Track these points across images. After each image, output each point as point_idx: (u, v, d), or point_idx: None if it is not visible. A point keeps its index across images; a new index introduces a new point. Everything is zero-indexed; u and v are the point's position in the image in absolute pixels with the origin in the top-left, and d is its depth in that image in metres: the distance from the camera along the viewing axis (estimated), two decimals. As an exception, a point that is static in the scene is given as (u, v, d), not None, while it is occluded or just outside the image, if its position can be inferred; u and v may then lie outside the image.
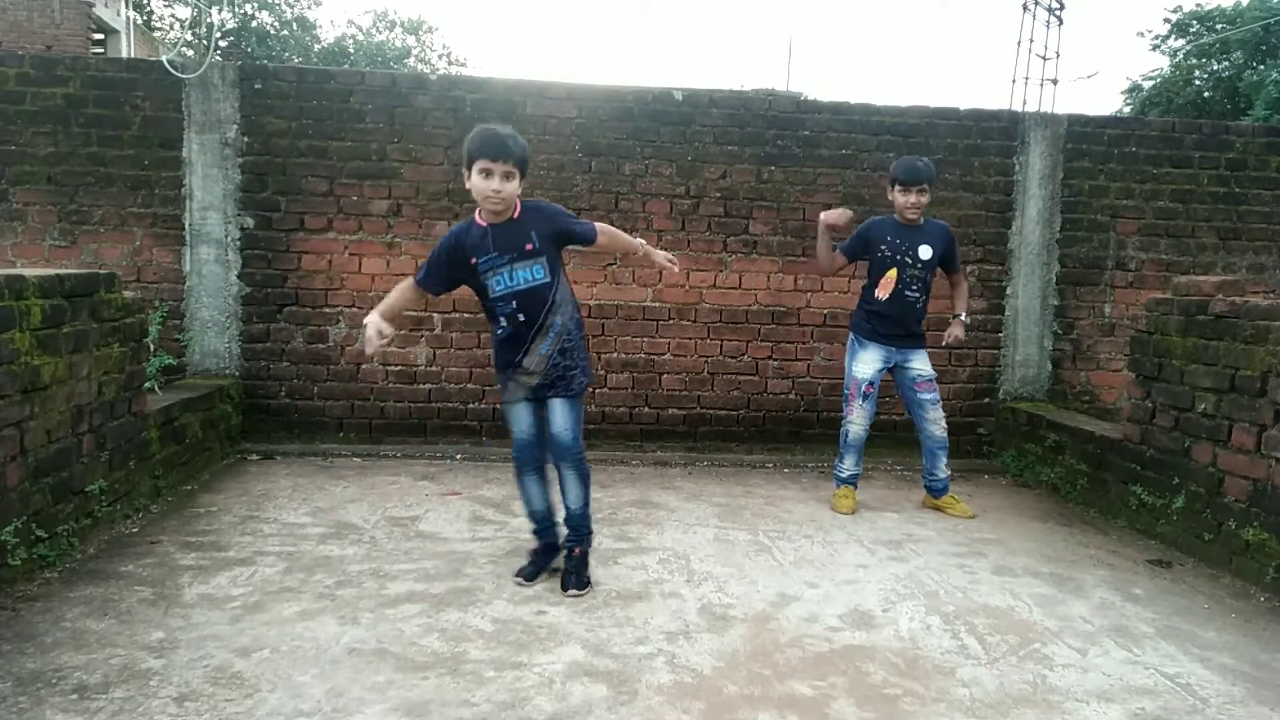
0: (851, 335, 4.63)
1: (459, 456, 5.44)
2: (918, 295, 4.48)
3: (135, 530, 3.82)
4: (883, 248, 4.47)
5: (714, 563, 3.72)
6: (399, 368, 5.52)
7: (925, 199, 4.44)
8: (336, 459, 5.28)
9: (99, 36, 14.77)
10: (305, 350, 5.46)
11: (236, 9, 27.83)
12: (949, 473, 4.65)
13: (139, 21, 18.32)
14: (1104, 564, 3.92)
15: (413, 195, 5.43)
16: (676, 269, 3.53)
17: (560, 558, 3.47)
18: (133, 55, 15.54)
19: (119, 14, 15.43)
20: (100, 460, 3.75)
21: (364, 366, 5.49)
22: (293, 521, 4.04)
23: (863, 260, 4.65)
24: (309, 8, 31.08)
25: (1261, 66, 21.70)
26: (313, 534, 3.87)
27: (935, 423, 4.55)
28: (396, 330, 3.28)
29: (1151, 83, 24.39)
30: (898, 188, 4.44)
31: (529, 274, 3.15)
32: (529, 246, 3.14)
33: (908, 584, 3.57)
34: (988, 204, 5.72)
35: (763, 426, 5.73)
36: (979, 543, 4.14)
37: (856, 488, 4.68)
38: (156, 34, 21.63)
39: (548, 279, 3.18)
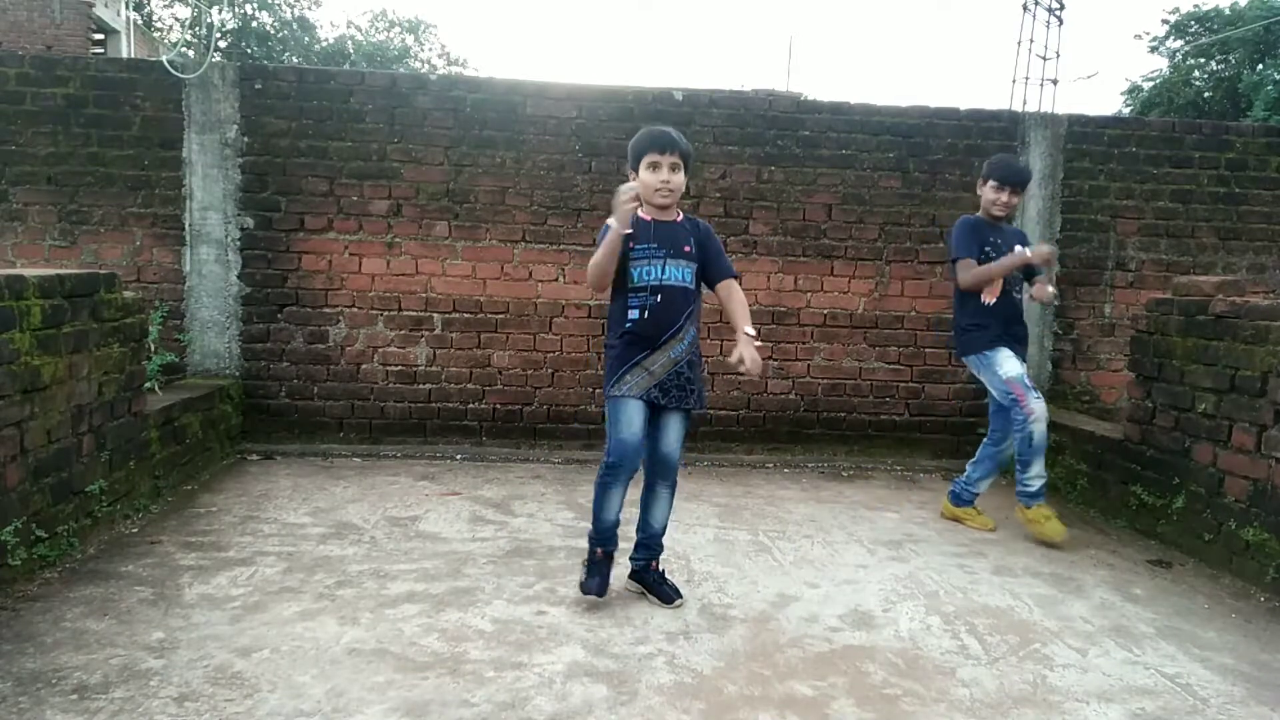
0: (972, 356, 4.26)
1: (459, 456, 5.44)
2: (1020, 295, 4.28)
3: (135, 530, 3.82)
4: (987, 249, 4.19)
5: (714, 563, 3.72)
6: (399, 368, 5.52)
7: (1016, 201, 4.23)
8: (336, 459, 5.28)
9: (99, 36, 14.77)
10: (305, 350, 5.46)
11: (236, 9, 27.84)
12: (985, 489, 4.48)
13: (139, 22, 18.33)
14: (1104, 564, 3.92)
15: (413, 195, 5.43)
16: (755, 373, 3.15)
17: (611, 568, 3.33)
18: (133, 55, 15.54)
19: (119, 14, 15.44)
20: (100, 460, 3.74)
21: (364, 366, 5.49)
22: (293, 521, 4.04)
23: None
24: (309, 8, 31.11)
25: (1261, 66, 21.72)
26: (313, 534, 3.87)
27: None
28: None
29: (1151, 83, 24.40)
30: (991, 183, 4.19)
31: (679, 274, 3.14)
32: (686, 249, 3.16)
33: (908, 584, 3.57)
34: (988, 204, 5.71)
35: (763, 426, 5.73)
36: (979, 543, 4.14)
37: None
38: (156, 34, 21.63)
39: (693, 286, 3.18)
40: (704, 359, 3.34)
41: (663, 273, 3.12)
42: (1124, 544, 4.22)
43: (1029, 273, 4.28)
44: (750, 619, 3.16)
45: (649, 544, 3.32)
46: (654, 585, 3.29)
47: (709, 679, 2.69)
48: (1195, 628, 3.24)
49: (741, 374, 3.24)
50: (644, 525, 3.32)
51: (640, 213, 3.14)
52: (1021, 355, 4.26)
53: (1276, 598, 3.52)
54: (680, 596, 3.26)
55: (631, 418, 3.13)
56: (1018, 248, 4.14)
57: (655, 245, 3.12)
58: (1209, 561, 3.89)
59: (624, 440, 3.13)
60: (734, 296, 3.26)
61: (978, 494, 4.46)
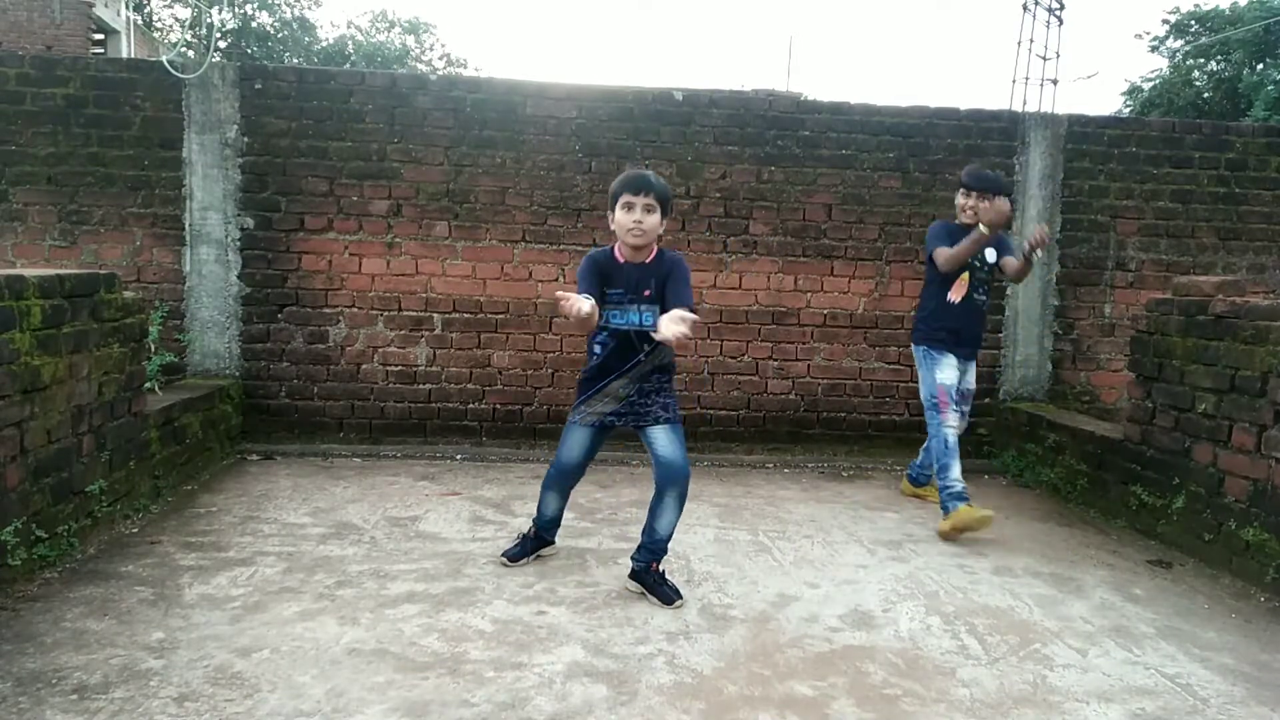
0: (922, 347, 4.52)
1: (459, 456, 5.44)
2: (984, 299, 4.51)
3: (135, 530, 3.82)
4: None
5: (714, 563, 3.72)
6: (399, 368, 5.52)
7: (986, 205, 4.29)
8: (336, 459, 5.28)
9: (99, 37, 14.78)
10: (305, 350, 5.46)
11: (236, 10, 27.85)
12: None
13: (139, 22, 18.33)
14: (1104, 564, 3.92)
15: (413, 195, 5.43)
16: (665, 335, 3.11)
17: (547, 549, 3.70)
18: (133, 55, 15.55)
19: (119, 14, 15.44)
20: (100, 460, 3.74)
21: (364, 366, 5.49)
22: (293, 522, 4.04)
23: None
24: (309, 8, 31.11)
25: (1261, 66, 21.72)
26: (313, 534, 3.87)
27: (959, 429, 4.54)
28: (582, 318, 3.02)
29: (1151, 84, 24.38)
30: (960, 191, 4.45)
31: (639, 318, 3.23)
32: (647, 292, 3.22)
33: (908, 584, 3.57)
34: (988, 204, 5.71)
35: (763, 426, 5.73)
36: (979, 543, 4.14)
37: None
38: (156, 34, 21.64)
39: (653, 326, 3.19)
40: (674, 375, 3.42)
41: (624, 319, 3.23)
42: (1124, 544, 4.22)
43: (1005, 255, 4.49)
44: (750, 619, 3.16)
45: (653, 547, 3.33)
46: (654, 586, 3.30)
47: (709, 679, 2.69)
48: (1195, 628, 3.24)
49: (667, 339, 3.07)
50: (649, 530, 3.33)
51: (616, 253, 3.28)
52: (968, 356, 4.53)
53: (1276, 598, 3.52)
54: (680, 597, 3.26)
55: (575, 444, 3.41)
56: (980, 226, 4.19)
57: (623, 290, 3.24)
58: (1209, 561, 3.89)
59: (561, 460, 3.45)
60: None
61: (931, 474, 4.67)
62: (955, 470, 4.30)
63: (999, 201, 4.18)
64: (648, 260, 3.25)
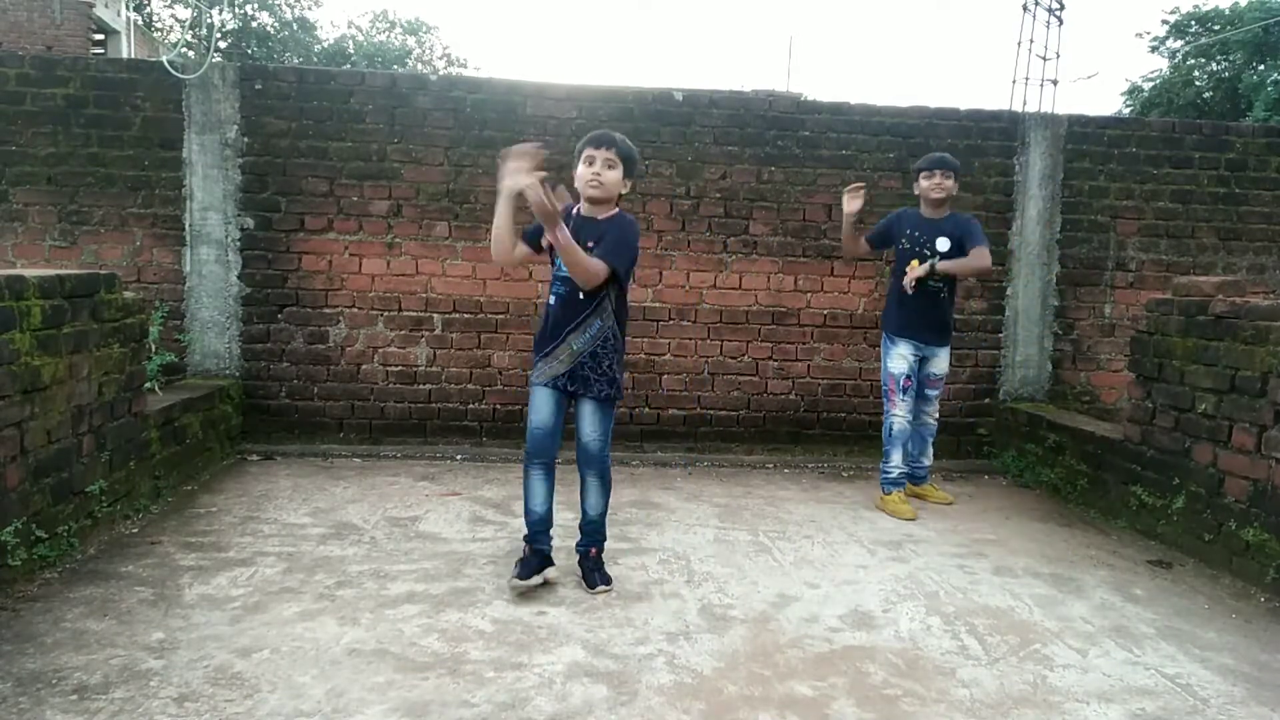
0: (883, 333, 4.77)
1: (459, 457, 5.43)
2: (940, 285, 4.60)
3: (135, 530, 3.82)
4: (903, 240, 4.64)
5: (714, 563, 3.72)
6: (399, 368, 5.51)
7: (949, 182, 4.54)
8: (336, 459, 5.28)
9: (99, 37, 14.78)
10: (305, 351, 5.46)
11: (237, 10, 27.86)
12: (931, 460, 4.92)
13: (139, 22, 18.33)
14: (1104, 564, 3.92)
15: (413, 195, 5.43)
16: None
17: (551, 570, 3.39)
18: (133, 56, 15.55)
19: (119, 14, 15.44)
20: (100, 460, 3.74)
21: (364, 367, 5.49)
22: (293, 522, 4.04)
23: (888, 249, 4.85)
24: (309, 8, 31.13)
25: (1261, 67, 21.72)
26: (313, 534, 3.87)
27: (932, 415, 4.86)
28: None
29: (1152, 84, 24.41)
30: (921, 175, 4.60)
31: None
32: (590, 244, 3.21)
33: (908, 584, 3.57)
34: (988, 204, 5.71)
35: (763, 427, 5.73)
36: (979, 543, 4.14)
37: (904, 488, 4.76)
38: (156, 35, 21.64)
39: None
40: (622, 354, 3.43)
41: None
42: (1124, 544, 4.22)
43: (965, 244, 4.54)
44: (750, 619, 3.16)
45: (586, 530, 3.45)
46: (585, 571, 3.39)
47: (709, 679, 2.69)
48: (1195, 628, 3.24)
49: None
50: (582, 514, 3.46)
51: (579, 205, 3.32)
52: (928, 341, 4.64)
53: (1276, 598, 3.52)
54: (604, 585, 3.34)
55: (539, 406, 3.33)
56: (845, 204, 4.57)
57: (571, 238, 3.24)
58: (1209, 562, 3.89)
59: (533, 429, 3.36)
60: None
61: (926, 465, 4.89)
62: (895, 458, 4.66)
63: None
64: (600, 218, 3.29)
